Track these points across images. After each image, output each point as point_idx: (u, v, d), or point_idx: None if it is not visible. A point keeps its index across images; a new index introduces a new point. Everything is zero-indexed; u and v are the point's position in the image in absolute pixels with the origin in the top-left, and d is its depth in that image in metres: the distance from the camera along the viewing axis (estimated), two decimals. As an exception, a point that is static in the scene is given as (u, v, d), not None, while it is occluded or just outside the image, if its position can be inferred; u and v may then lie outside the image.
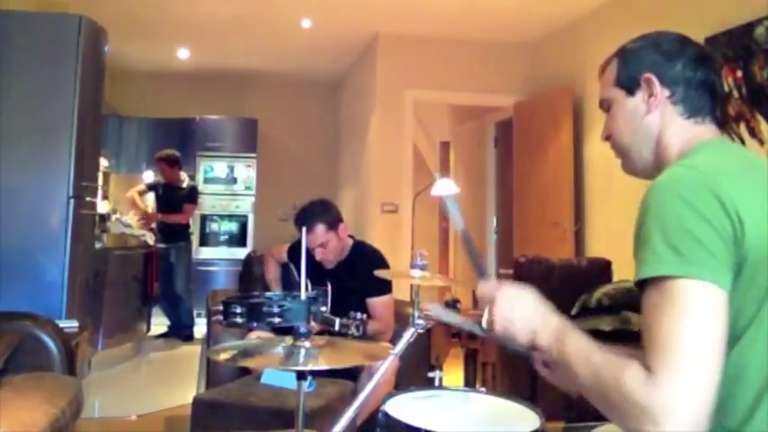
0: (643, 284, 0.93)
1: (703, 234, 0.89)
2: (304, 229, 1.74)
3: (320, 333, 1.97)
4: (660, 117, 1.11)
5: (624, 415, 0.88)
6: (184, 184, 5.93)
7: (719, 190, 0.91)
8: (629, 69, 1.14)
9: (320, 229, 2.64)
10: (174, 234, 5.86)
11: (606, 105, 1.20)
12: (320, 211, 2.70)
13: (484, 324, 1.16)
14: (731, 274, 0.90)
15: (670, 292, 0.89)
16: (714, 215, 0.90)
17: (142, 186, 6.11)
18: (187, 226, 5.98)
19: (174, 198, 5.89)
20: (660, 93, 1.10)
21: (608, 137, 1.20)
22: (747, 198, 0.92)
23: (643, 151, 1.14)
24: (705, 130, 1.09)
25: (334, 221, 2.70)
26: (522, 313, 1.10)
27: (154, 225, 6.12)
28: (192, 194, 5.95)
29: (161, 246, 5.80)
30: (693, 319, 0.87)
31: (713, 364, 0.86)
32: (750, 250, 0.90)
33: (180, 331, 5.79)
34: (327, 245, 2.68)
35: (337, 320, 2.00)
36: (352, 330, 1.88)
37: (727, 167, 0.98)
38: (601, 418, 1.21)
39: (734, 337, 0.91)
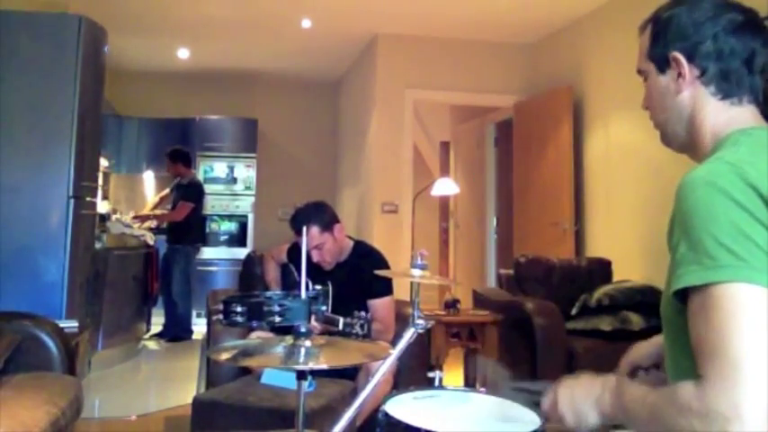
0: (687, 289, 0.87)
1: (757, 234, 0.84)
2: (304, 229, 1.74)
3: (322, 333, 1.97)
4: (691, 98, 1.05)
5: None
6: (184, 181, 5.90)
7: (763, 190, 0.86)
8: (659, 44, 1.08)
9: (314, 230, 2.63)
10: (171, 235, 5.82)
11: (643, 75, 1.14)
12: (314, 213, 2.69)
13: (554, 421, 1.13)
14: None
15: (723, 296, 0.83)
16: (763, 215, 0.85)
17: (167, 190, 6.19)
18: (183, 226, 5.75)
19: (177, 195, 5.89)
20: (689, 73, 1.04)
21: (646, 107, 1.15)
22: None
23: (676, 129, 1.09)
24: (743, 112, 1.03)
25: (328, 223, 2.69)
26: (581, 394, 1.06)
27: (153, 225, 6.12)
28: (188, 192, 5.81)
29: (168, 246, 5.80)
30: (748, 321, 0.81)
31: None
32: None
33: (172, 333, 5.72)
34: (323, 246, 2.68)
35: (341, 320, 2.00)
36: (357, 329, 1.88)
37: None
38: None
39: None
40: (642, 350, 1.34)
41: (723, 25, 1.02)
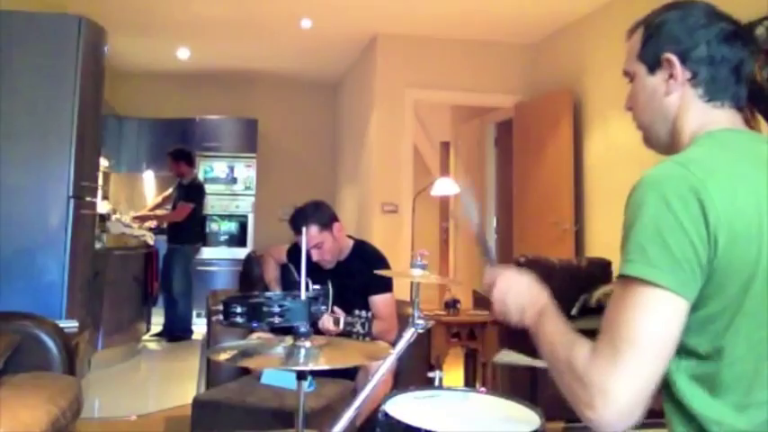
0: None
1: (675, 241, 0.90)
2: (304, 229, 1.74)
3: (339, 335, 1.96)
4: (679, 99, 1.07)
5: (568, 387, 0.94)
6: (185, 181, 5.91)
7: (705, 194, 0.90)
8: (651, 45, 1.10)
9: (313, 230, 2.63)
10: (171, 234, 5.83)
11: (629, 77, 1.15)
12: (313, 213, 2.69)
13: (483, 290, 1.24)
14: (698, 284, 0.91)
15: (631, 290, 0.92)
16: (693, 223, 0.90)
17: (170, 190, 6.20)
18: (182, 226, 5.78)
19: (177, 195, 5.90)
20: (681, 75, 1.06)
21: (630, 108, 1.17)
22: (731, 202, 0.91)
23: (660, 132, 1.11)
24: (722, 115, 1.06)
25: (327, 222, 2.70)
26: (515, 294, 1.16)
27: (153, 225, 6.13)
28: (188, 192, 5.84)
29: (168, 245, 5.81)
30: (641, 316, 0.90)
31: (649, 360, 0.89)
32: (719, 258, 0.90)
33: (171, 333, 5.74)
34: (322, 245, 2.68)
35: (341, 318, 2.00)
36: (358, 328, 1.88)
37: (720, 165, 0.95)
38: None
39: (715, 338, 0.94)
40: None
41: (715, 33, 1.05)
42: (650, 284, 0.90)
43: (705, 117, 1.06)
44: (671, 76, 1.07)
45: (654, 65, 1.09)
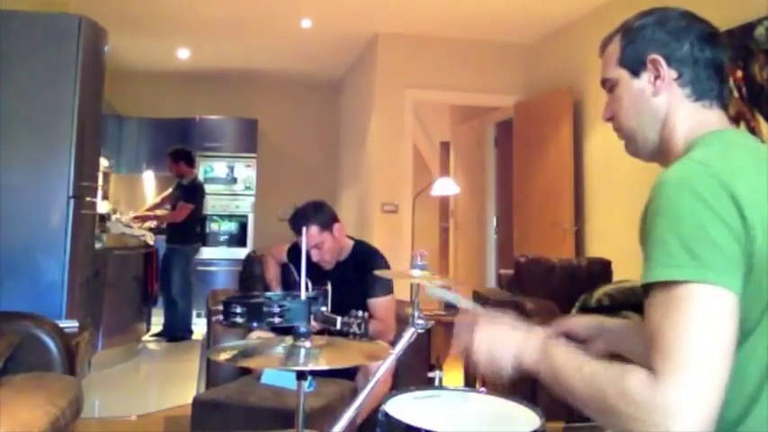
0: (650, 285, 0.89)
1: (720, 236, 0.86)
2: (304, 229, 1.74)
3: (320, 332, 1.97)
4: (667, 100, 1.07)
5: (627, 420, 0.85)
6: (185, 181, 5.91)
7: (735, 189, 0.88)
8: (633, 49, 1.09)
9: (314, 230, 2.63)
10: (171, 235, 5.83)
11: (609, 85, 1.14)
12: (313, 213, 2.68)
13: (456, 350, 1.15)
14: (742, 277, 0.87)
15: (682, 295, 0.85)
16: (730, 216, 0.87)
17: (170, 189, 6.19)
18: (182, 226, 5.78)
19: (177, 196, 5.90)
20: (667, 75, 1.06)
21: (610, 118, 1.15)
22: (759, 200, 0.89)
23: (648, 134, 1.10)
24: (712, 115, 1.06)
25: (327, 222, 2.69)
26: (500, 343, 1.09)
27: (153, 225, 6.13)
28: (188, 192, 5.84)
29: (167, 245, 5.81)
30: (704, 322, 0.84)
31: (721, 367, 0.83)
32: (757, 255, 0.88)
33: (171, 333, 5.75)
34: (322, 246, 2.67)
35: (339, 319, 2.00)
36: (354, 328, 1.88)
37: (739, 165, 0.94)
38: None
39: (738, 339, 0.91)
40: (582, 321, 1.37)
41: (697, 35, 1.06)
42: (707, 286, 0.85)
43: (696, 117, 1.06)
44: (657, 77, 1.07)
45: (637, 68, 1.09)
